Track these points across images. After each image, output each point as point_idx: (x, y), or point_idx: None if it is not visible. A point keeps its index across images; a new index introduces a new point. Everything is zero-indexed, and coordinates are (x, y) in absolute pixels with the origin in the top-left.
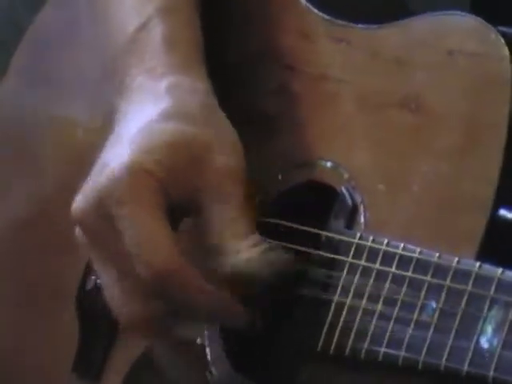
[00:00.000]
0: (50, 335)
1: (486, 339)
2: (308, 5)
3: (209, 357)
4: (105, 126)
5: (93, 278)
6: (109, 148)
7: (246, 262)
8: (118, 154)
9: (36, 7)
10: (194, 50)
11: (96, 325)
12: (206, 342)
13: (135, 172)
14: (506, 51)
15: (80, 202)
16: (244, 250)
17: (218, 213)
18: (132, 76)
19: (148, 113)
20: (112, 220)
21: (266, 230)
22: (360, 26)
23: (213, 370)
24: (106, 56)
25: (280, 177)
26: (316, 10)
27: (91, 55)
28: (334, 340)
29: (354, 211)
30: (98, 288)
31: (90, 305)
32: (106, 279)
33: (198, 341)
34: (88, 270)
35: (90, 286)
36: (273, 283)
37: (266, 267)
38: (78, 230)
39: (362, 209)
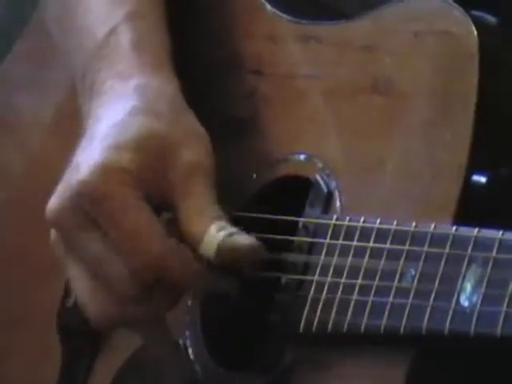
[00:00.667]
0: (33, 355)
1: (466, 297)
2: (274, 9)
3: (191, 356)
4: (72, 130)
5: (73, 295)
6: (81, 149)
7: (217, 244)
8: (90, 153)
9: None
10: (161, 52)
11: (77, 341)
12: (188, 343)
13: (108, 168)
14: (472, 26)
15: (54, 202)
16: (210, 236)
17: (184, 204)
18: (101, 80)
19: (117, 111)
20: (87, 219)
21: (244, 227)
22: (328, 22)
23: (196, 367)
24: (76, 65)
25: (254, 176)
26: (282, 14)
27: (62, 71)
28: (316, 317)
29: (329, 197)
30: (73, 305)
31: (71, 322)
32: (79, 285)
33: (180, 342)
34: (68, 288)
35: (69, 303)
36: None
37: (230, 251)
38: (52, 236)
39: (337, 194)
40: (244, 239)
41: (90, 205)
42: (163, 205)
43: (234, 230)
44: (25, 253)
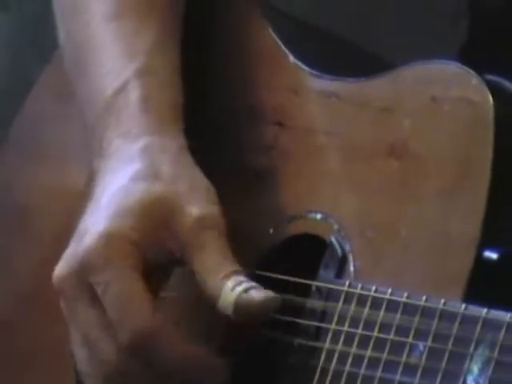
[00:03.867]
0: None
1: (473, 378)
2: (296, 61)
3: None
4: (86, 190)
5: None
6: (88, 215)
7: (234, 301)
8: (95, 221)
9: (44, 59)
10: (170, 110)
11: None
12: None
13: (110, 238)
14: (488, 94)
15: (60, 269)
16: (227, 293)
17: (198, 260)
18: (109, 139)
19: (121, 177)
20: (89, 289)
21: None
22: (349, 78)
23: None
24: (87, 119)
25: (271, 231)
26: (304, 66)
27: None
28: None
29: (343, 260)
30: None
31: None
32: (76, 348)
33: None
34: None
35: None
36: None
37: (247, 308)
38: (61, 300)
39: (351, 258)
40: (259, 294)
41: (92, 274)
42: (174, 264)
43: (250, 284)
44: (36, 289)
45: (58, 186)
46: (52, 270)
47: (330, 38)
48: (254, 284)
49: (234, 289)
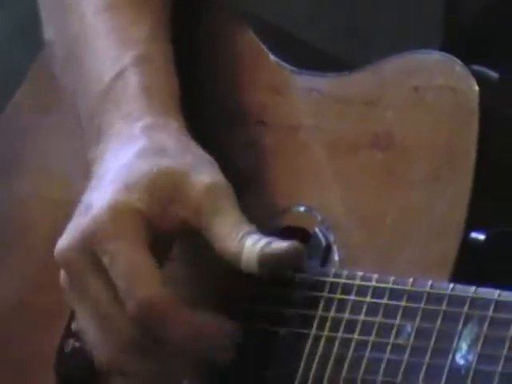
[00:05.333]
0: None
1: (461, 356)
2: (277, 59)
3: None
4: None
5: (71, 340)
6: (90, 191)
7: (257, 255)
8: (100, 194)
9: (32, 48)
10: (168, 95)
11: (76, 378)
12: None
13: (118, 210)
14: (473, 81)
15: (64, 242)
16: (249, 251)
17: (217, 224)
18: (109, 123)
19: (126, 154)
20: (94, 259)
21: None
22: (330, 73)
23: None
24: (83, 108)
25: (256, 225)
26: (285, 63)
27: (69, 116)
28: (312, 372)
29: (327, 250)
30: (75, 350)
31: (69, 368)
32: (83, 323)
33: None
34: (67, 333)
35: (68, 349)
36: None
37: (271, 260)
38: (61, 276)
39: (335, 248)
40: (281, 244)
41: (98, 244)
42: (184, 236)
43: (268, 239)
44: (25, 299)
45: (40, 196)
46: (41, 278)
47: (312, 49)
48: (270, 239)
49: (255, 245)
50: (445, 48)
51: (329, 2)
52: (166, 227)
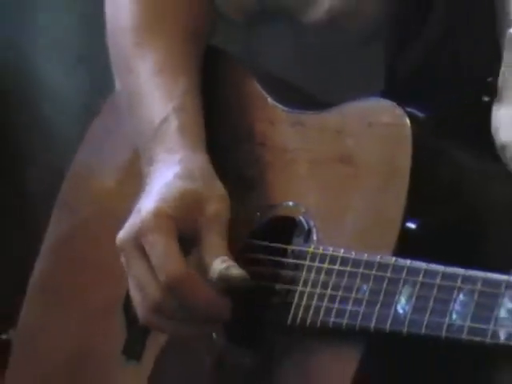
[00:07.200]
0: (108, 334)
1: (401, 307)
2: (273, 102)
3: (214, 336)
4: (137, 192)
5: None
6: (142, 200)
7: (218, 273)
8: (147, 203)
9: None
10: (197, 136)
11: (137, 323)
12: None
13: (157, 214)
14: (407, 120)
15: (121, 235)
16: (217, 265)
17: (206, 240)
18: (156, 153)
19: (166, 176)
20: (140, 246)
21: (251, 249)
22: (310, 111)
23: (216, 341)
24: (139, 140)
25: (258, 214)
26: (279, 105)
27: (126, 140)
28: (299, 316)
29: (309, 232)
30: None
31: (133, 311)
32: (132, 290)
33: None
34: None
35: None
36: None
37: (226, 278)
38: (121, 256)
39: (314, 231)
40: (236, 271)
41: (143, 236)
42: (193, 240)
43: (232, 263)
44: (104, 267)
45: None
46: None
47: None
48: (234, 264)
49: (221, 264)
50: (386, 93)
51: (303, 58)
52: (187, 227)
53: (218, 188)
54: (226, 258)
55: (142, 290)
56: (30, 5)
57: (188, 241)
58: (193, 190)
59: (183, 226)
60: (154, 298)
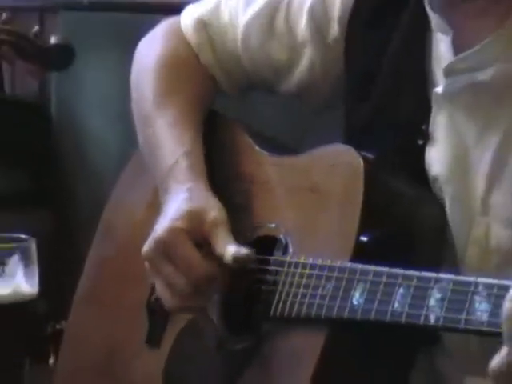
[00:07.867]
0: (134, 329)
1: (356, 299)
2: (259, 149)
3: (216, 322)
4: (155, 214)
5: (154, 295)
6: (160, 219)
7: (232, 257)
8: (164, 222)
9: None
10: (201, 172)
11: (157, 316)
12: (215, 317)
13: (172, 230)
14: (360, 160)
15: (146, 247)
16: (229, 252)
17: (216, 239)
18: (170, 186)
19: (177, 201)
20: (164, 254)
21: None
22: (286, 156)
23: (218, 329)
24: (158, 177)
25: (248, 234)
26: (264, 150)
27: (149, 179)
28: (279, 309)
29: (286, 246)
30: (156, 298)
31: (154, 306)
32: (160, 289)
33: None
34: (152, 290)
35: (153, 298)
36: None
37: (240, 259)
38: (146, 265)
39: (290, 245)
40: (245, 251)
41: (165, 248)
42: (202, 243)
43: (240, 247)
44: (127, 271)
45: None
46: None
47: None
48: (242, 247)
49: (232, 250)
50: (346, 140)
51: (281, 117)
52: (197, 235)
53: (216, 203)
54: (233, 244)
55: (171, 287)
56: (80, 67)
57: (201, 246)
58: (197, 208)
59: (194, 234)
60: (182, 292)
